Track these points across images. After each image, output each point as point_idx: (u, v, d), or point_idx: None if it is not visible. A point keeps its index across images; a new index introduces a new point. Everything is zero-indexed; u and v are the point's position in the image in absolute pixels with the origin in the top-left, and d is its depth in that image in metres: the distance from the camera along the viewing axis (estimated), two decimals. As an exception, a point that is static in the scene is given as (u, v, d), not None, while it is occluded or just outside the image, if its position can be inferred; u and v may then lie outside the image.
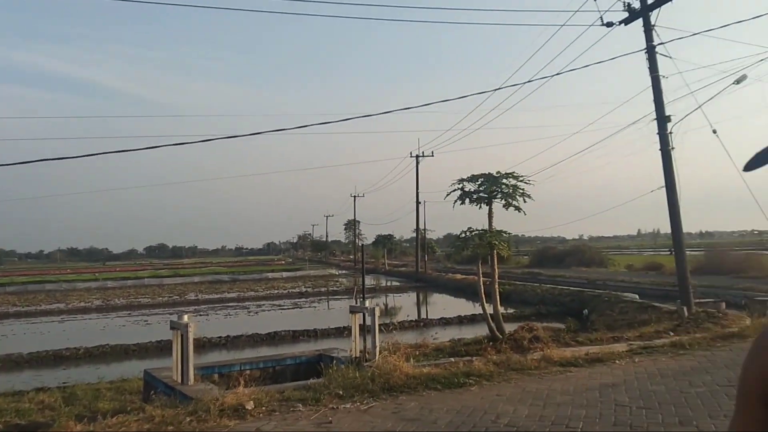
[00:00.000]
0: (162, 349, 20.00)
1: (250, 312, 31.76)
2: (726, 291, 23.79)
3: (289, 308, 33.52)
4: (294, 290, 43.71)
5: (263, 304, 35.45)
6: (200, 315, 28.89)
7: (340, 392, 7.61)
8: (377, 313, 10.88)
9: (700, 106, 16.28)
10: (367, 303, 11.27)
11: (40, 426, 9.29)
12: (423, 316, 29.47)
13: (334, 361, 10.50)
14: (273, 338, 21.86)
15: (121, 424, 6.49)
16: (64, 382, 14.89)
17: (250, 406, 6.99)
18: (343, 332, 22.38)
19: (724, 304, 17.33)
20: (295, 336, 22.13)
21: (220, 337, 21.18)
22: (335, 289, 44.98)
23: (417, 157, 55.95)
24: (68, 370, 17.57)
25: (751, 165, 0.87)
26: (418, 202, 56.77)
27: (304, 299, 38.41)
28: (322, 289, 44.06)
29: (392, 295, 40.81)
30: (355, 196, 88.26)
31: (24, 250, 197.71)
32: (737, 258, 36.19)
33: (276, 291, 43.30)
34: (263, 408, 7.09)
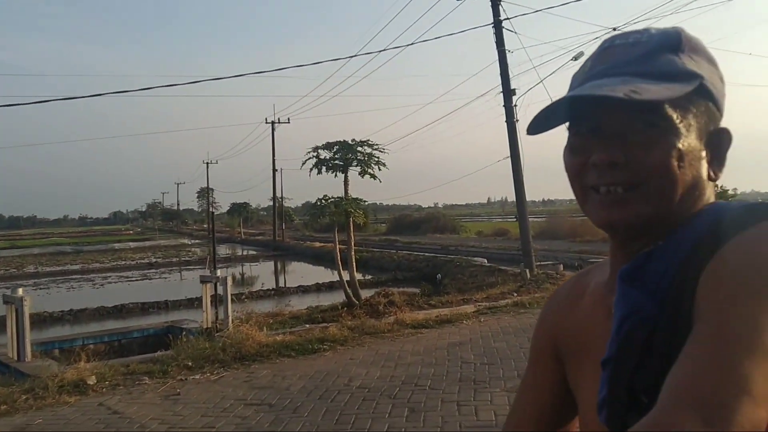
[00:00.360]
0: (-4, 326, 18.50)
1: (95, 284, 30.06)
2: (564, 254, 25.68)
3: (137, 280, 32.08)
4: (143, 261, 41.86)
5: (110, 276, 33.68)
6: (40, 288, 26.99)
7: (190, 363, 7.40)
8: (229, 282, 10.66)
9: (542, 81, 17.28)
10: (219, 272, 11.02)
11: None
12: (281, 284, 29.30)
13: (184, 333, 10.19)
14: (120, 311, 20.85)
15: (-58, 408, 5.93)
16: None
17: (92, 381, 6.63)
18: (195, 303, 21.78)
19: (561, 266, 18.69)
20: (145, 308, 21.24)
21: (62, 311, 19.89)
22: (188, 259, 43.56)
23: (272, 123, 54.99)
24: None
25: (534, 128, 0.90)
26: (274, 170, 56.04)
27: (154, 270, 36.88)
28: (174, 260, 42.52)
29: (249, 264, 40.24)
30: (207, 163, 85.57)
31: None
32: (574, 224, 39.05)
33: (124, 262, 41.26)
34: (106, 383, 6.75)
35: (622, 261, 0.85)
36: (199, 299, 21.80)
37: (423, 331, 9.36)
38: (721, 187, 16.47)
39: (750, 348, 0.62)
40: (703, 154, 0.83)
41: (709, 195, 0.85)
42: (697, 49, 0.84)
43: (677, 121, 0.80)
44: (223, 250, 50.14)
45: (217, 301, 10.93)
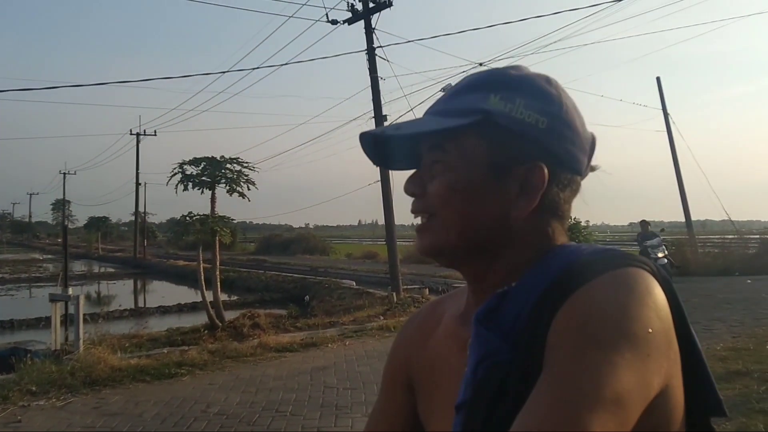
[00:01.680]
0: None
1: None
2: (430, 279, 26.35)
3: (-20, 297, 29.49)
4: (-12, 276, 38.56)
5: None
6: None
7: (34, 388, 6.87)
8: (82, 302, 10.04)
9: (411, 109, 17.83)
10: (71, 290, 10.37)
11: None
12: (140, 304, 27.96)
13: (30, 355, 9.46)
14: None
15: None
16: None
17: None
18: (44, 323, 20.34)
19: (427, 290, 19.17)
20: (-14, 328, 19.57)
21: None
22: (38, 275, 40.66)
23: (138, 135, 52.79)
24: None
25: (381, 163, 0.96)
26: (138, 183, 53.62)
27: (0, 286, 34.08)
28: (23, 276, 39.53)
29: (106, 282, 38.13)
30: (65, 173, 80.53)
31: None
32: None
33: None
34: (-67, 411, 6.13)
35: (475, 296, 0.88)
36: (49, 319, 20.48)
37: (287, 355, 9.25)
38: (575, 218, 17.62)
39: (592, 401, 0.62)
40: (495, 188, 0.83)
41: (542, 229, 0.85)
42: (516, 87, 0.84)
43: (455, 156, 0.84)
44: (79, 267, 47.29)
45: (68, 321, 10.26)
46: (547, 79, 0.87)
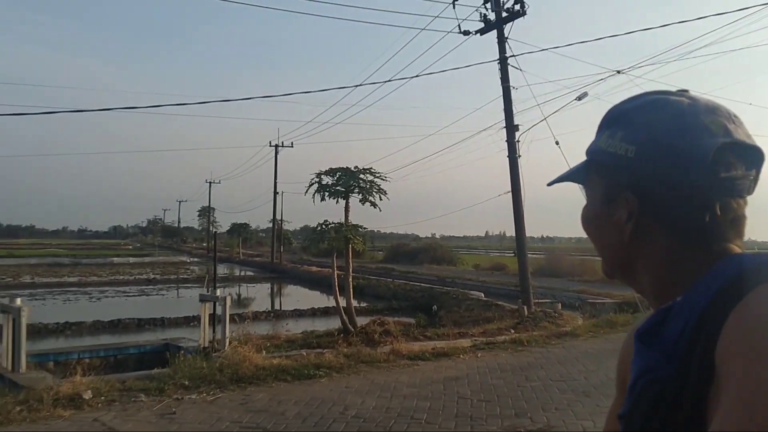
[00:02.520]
0: (-11, 334, 18.41)
1: (92, 298, 29.96)
2: (562, 293, 25.62)
3: (135, 295, 31.98)
4: (141, 276, 41.73)
5: (107, 290, 33.57)
6: (36, 299, 26.85)
7: (186, 382, 7.39)
8: (228, 303, 10.67)
9: (545, 118, 17.43)
10: (219, 292, 11.03)
11: None
12: (277, 307, 29.25)
13: (182, 351, 10.17)
14: (116, 326, 20.79)
15: (-63, 415, 5.92)
16: None
17: (87, 395, 6.62)
18: (192, 321, 21.72)
19: (560, 305, 18.64)
20: (141, 324, 21.18)
21: (57, 323, 19.82)
22: (186, 276, 43.51)
23: (276, 146, 55.36)
24: None
25: (554, 182, 1.03)
26: (275, 192, 56.21)
27: (152, 286, 36.80)
28: (172, 277, 42.46)
29: (246, 285, 40.12)
30: (210, 182, 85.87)
31: None
32: (573, 262, 39.01)
33: (122, 277, 41.14)
34: (102, 398, 6.74)
35: (653, 310, 0.90)
36: (196, 318, 21.81)
37: (419, 363, 9.35)
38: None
39: None
40: (607, 217, 0.91)
41: (677, 251, 0.85)
42: (619, 119, 0.90)
43: (588, 191, 0.97)
44: (221, 270, 50.03)
45: (215, 320, 10.92)
46: (661, 102, 0.88)
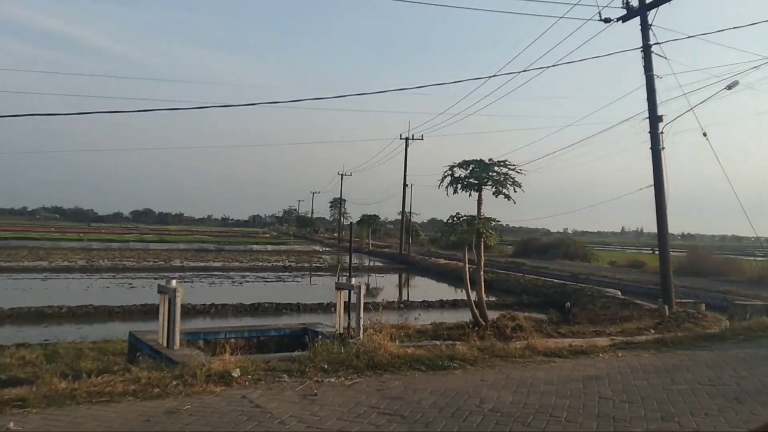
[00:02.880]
0: (146, 312, 20.02)
1: (234, 282, 31.73)
2: (706, 293, 24.08)
3: (272, 281, 33.52)
4: (278, 264, 43.67)
5: (247, 276, 35.42)
6: (185, 282, 28.75)
7: (325, 366, 7.64)
8: (362, 291, 10.92)
9: (692, 108, 16.37)
10: (354, 281, 11.30)
11: (23, 381, 9.26)
12: (405, 297, 29.62)
13: (319, 336, 10.54)
14: (256, 309, 21.91)
15: (107, 384, 6.49)
16: (45, 340, 14.83)
17: (236, 373, 7.02)
18: (325, 308, 22.45)
19: (704, 306, 17.52)
20: (278, 309, 22.18)
21: (204, 304, 21.18)
22: (318, 265, 45.05)
23: (406, 139, 55.92)
24: (50, 327, 17.49)
25: None
26: (405, 185, 56.84)
27: (287, 273, 38.43)
28: (306, 265, 44.12)
29: (375, 275, 40.89)
30: (342, 174, 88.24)
31: (7, 205, 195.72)
32: (718, 261, 36.56)
33: (260, 263, 43.26)
34: (249, 376, 7.12)
35: None
36: (330, 304, 22.48)
37: (555, 360, 9.13)
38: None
39: None
40: None
41: None
42: None
43: None
44: (352, 260, 51.34)
45: (350, 308, 11.20)
46: None
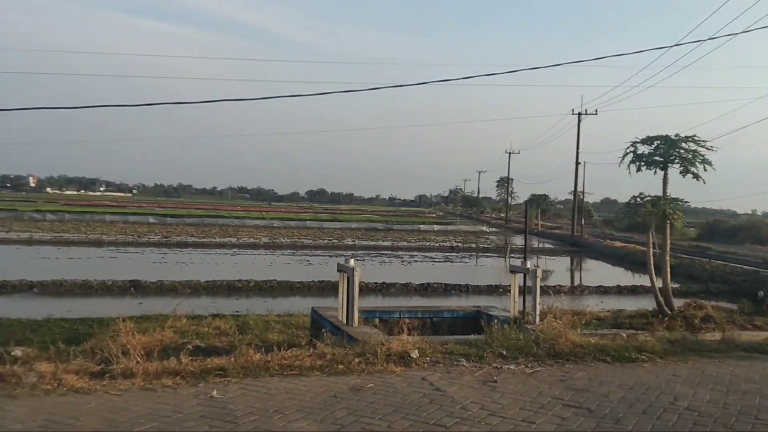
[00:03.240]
0: (323, 289, 21.00)
1: (403, 261, 32.41)
2: None
3: (440, 261, 33.80)
4: (445, 244, 43.97)
5: (415, 255, 36.02)
6: (357, 260, 29.81)
7: (504, 352, 7.51)
8: (539, 276, 10.63)
9: None
10: (529, 264, 11.02)
11: (219, 350, 10.07)
12: (577, 282, 28.59)
13: (493, 320, 10.41)
14: (425, 289, 22.20)
15: (296, 358, 6.83)
16: (236, 311, 16.03)
17: (414, 354, 7.10)
18: (494, 290, 22.28)
19: None
20: (447, 289, 22.32)
21: (375, 282, 21.79)
22: (486, 246, 44.77)
23: (579, 114, 53.62)
24: (240, 300, 18.90)
25: None
26: (577, 163, 54.63)
27: (454, 254, 38.58)
28: (472, 245, 43.99)
29: (545, 258, 39.86)
30: (510, 153, 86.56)
31: (199, 185, 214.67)
32: None
33: (428, 243, 43.81)
34: (427, 358, 7.17)
35: None
36: (498, 287, 22.31)
37: (755, 356, 8.32)
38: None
39: None
40: None
41: None
42: None
43: None
44: (518, 241, 50.51)
45: (525, 292, 10.96)
46: None
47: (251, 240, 39.40)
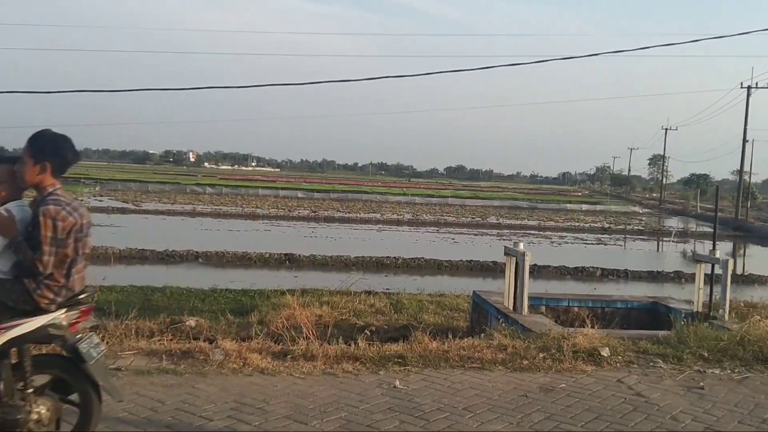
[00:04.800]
0: (471, 269, 20.58)
1: (552, 242, 31.21)
2: None
3: (592, 243, 32.23)
4: (595, 225, 41.98)
5: (565, 236, 34.59)
6: (503, 240, 29.07)
7: (705, 354, 6.69)
8: (730, 267, 9.53)
9: None
10: (718, 253, 9.91)
11: (402, 331, 9.98)
12: (742, 270, 26.12)
13: (678, 314, 9.48)
14: (581, 273, 21.18)
15: (474, 348, 6.43)
16: (387, 288, 15.96)
17: (605, 352, 6.46)
18: (655, 277, 20.84)
19: None
20: (603, 274, 21.14)
21: (535, 265, 20.98)
22: (639, 228, 42.23)
23: (749, 88, 49.03)
24: (389, 277, 18.90)
25: None
26: (744, 141, 50.11)
27: (606, 236, 36.65)
28: (624, 227, 41.60)
29: (705, 242, 36.97)
30: (666, 129, 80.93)
31: (342, 161, 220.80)
32: None
33: (576, 224, 42.02)
34: (619, 357, 6.50)
35: None
36: (660, 273, 20.85)
37: None
38: None
39: None
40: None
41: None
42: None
43: None
44: (674, 224, 47.34)
45: (712, 282, 9.88)
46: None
47: (394, 216, 39.64)
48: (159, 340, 6.51)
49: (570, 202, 63.75)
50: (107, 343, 5.87)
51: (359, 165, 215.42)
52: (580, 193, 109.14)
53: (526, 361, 6.21)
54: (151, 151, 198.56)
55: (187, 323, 10.34)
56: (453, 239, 30.29)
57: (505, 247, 10.23)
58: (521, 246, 9.65)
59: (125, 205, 38.41)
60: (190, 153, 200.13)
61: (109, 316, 8.68)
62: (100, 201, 40.52)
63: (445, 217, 40.56)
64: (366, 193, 61.32)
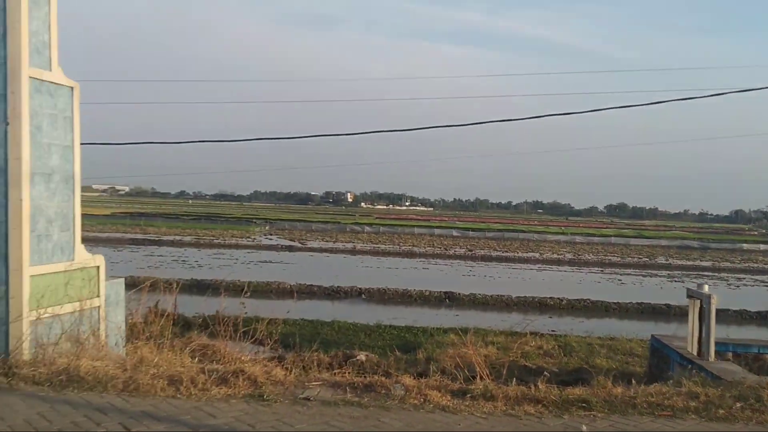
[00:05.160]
0: (642, 312, 19.58)
1: (729, 284, 28.91)
2: None
3: (776, 286, 29.44)
4: (779, 266, 38.31)
5: (743, 278, 31.93)
6: (674, 281, 27.39)
7: None
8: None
9: None
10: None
11: (574, 375, 9.71)
12: None
13: None
14: (765, 318, 19.47)
15: (662, 395, 6.07)
16: (552, 330, 15.55)
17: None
18: None
19: None
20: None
21: (725, 309, 19.54)
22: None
23: None
24: (553, 318, 18.40)
25: None
26: None
27: (793, 278, 33.31)
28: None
29: None
30: None
31: (495, 200, 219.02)
32: None
33: (755, 264, 38.62)
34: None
35: None
36: None
37: None
38: None
39: None
40: None
41: None
42: None
43: None
44: None
45: None
46: None
47: (554, 255, 38.63)
48: (340, 373, 6.78)
49: (746, 242, 58.73)
50: (293, 373, 6.23)
51: (513, 203, 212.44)
52: (755, 232, 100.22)
53: (722, 411, 5.76)
54: (312, 193, 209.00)
55: (359, 357, 10.70)
56: (619, 280, 28.97)
57: (687, 289, 9.64)
58: (706, 288, 9.07)
59: (292, 243, 40.64)
60: (348, 194, 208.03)
61: (294, 348, 9.19)
62: (270, 239, 43.17)
63: (609, 257, 38.90)
64: (523, 231, 60.30)
